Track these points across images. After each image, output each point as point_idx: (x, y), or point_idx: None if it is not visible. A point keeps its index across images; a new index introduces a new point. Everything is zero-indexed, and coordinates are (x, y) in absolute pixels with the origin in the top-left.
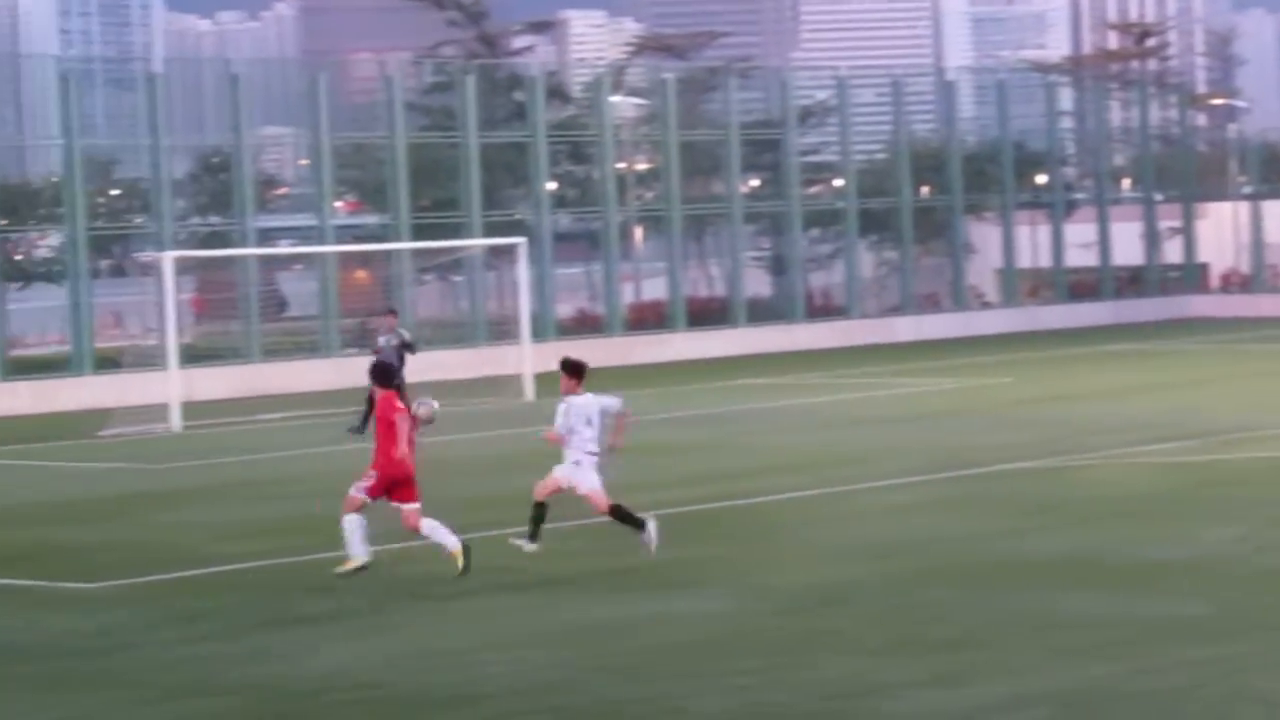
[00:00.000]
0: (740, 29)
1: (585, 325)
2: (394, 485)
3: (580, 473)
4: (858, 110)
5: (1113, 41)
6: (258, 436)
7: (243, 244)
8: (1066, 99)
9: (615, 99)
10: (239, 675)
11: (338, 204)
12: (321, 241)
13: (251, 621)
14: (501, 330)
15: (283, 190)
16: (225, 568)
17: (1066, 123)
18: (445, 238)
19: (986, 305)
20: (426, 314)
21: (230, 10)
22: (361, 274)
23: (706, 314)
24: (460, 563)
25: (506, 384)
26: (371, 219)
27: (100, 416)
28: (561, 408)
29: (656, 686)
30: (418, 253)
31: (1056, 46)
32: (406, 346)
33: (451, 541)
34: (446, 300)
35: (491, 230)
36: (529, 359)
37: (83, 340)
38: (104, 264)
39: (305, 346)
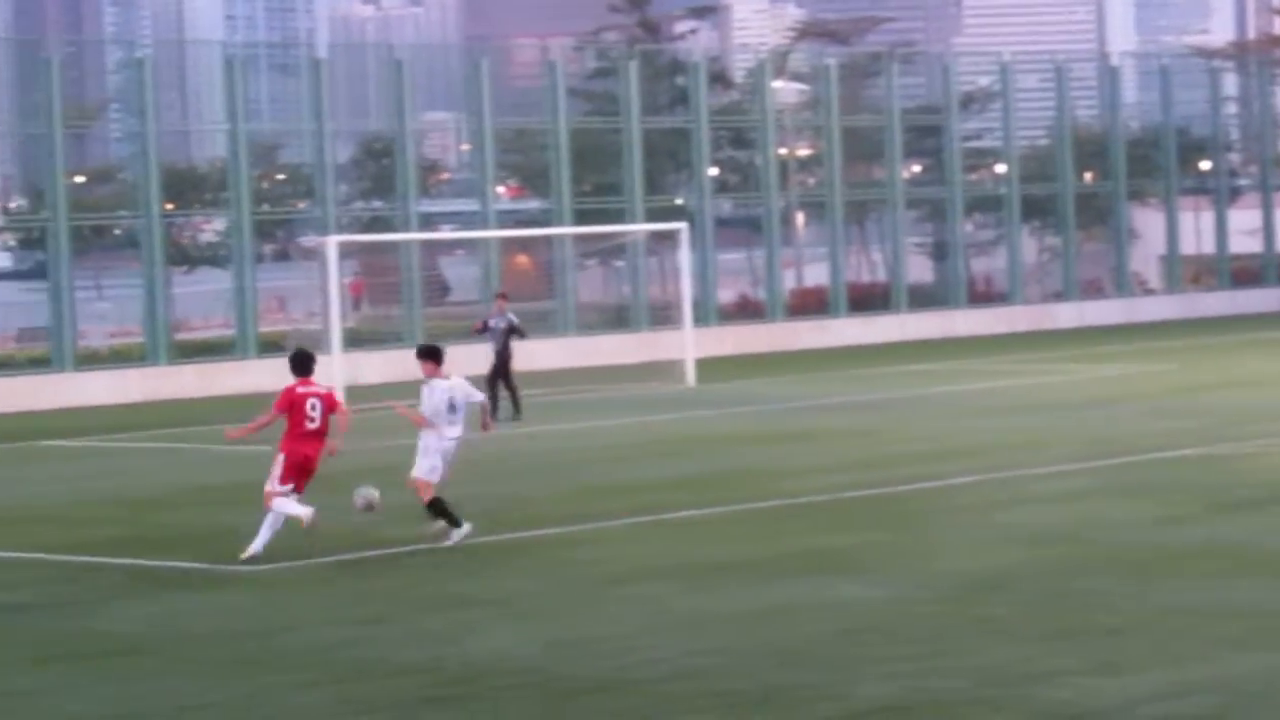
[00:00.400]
0: (902, 14)
1: (746, 311)
2: (309, 468)
3: (422, 457)
4: (1020, 95)
5: (1278, 26)
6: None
7: (405, 229)
8: (1231, 84)
9: (777, 84)
10: (401, 658)
11: (500, 189)
12: (484, 226)
13: (416, 603)
14: (663, 315)
15: (445, 175)
16: (388, 550)
17: (1231, 108)
18: (607, 223)
19: (1149, 292)
20: (588, 299)
21: None
22: (523, 259)
23: (868, 300)
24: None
25: (668, 369)
26: (533, 204)
27: (263, 400)
28: (425, 391)
29: (817, 672)
30: (579, 238)
31: (1221, 31)
32: (515, 331)
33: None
34: (608, 285)
35: (653, 215)
36: (690, 344)
37: (247, 324)
38: (268, 248)
39: (467, 331)
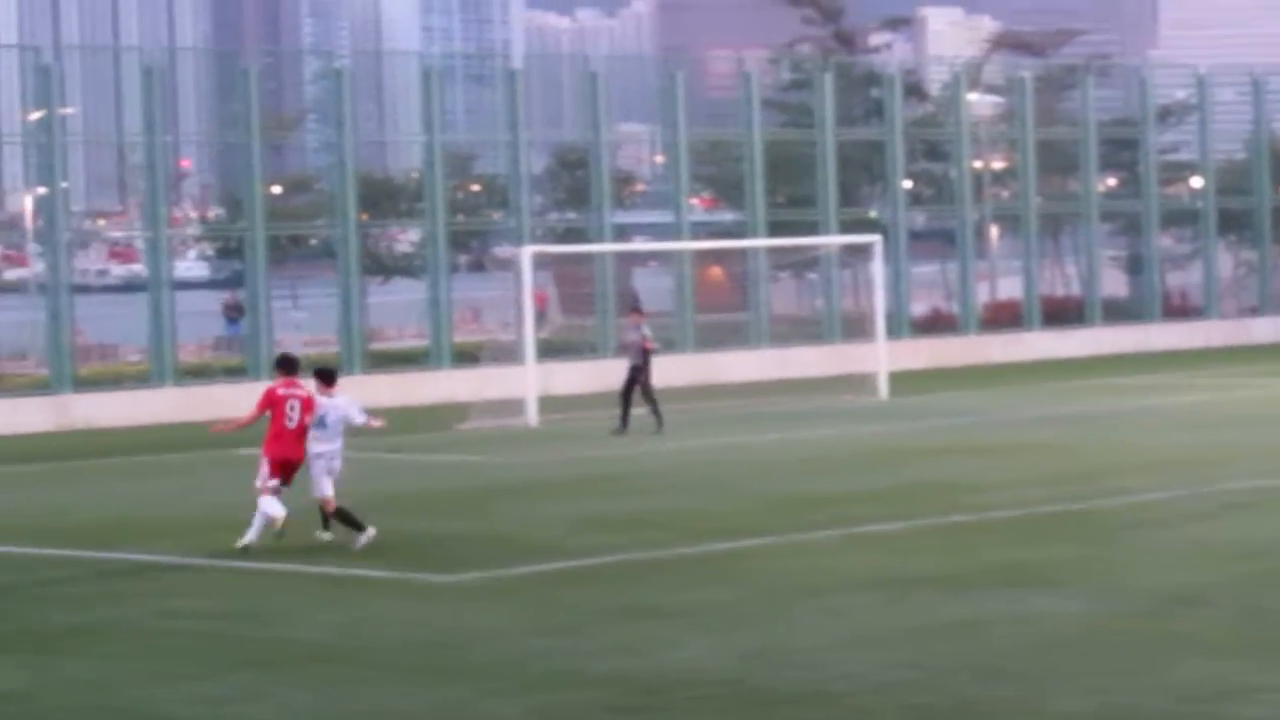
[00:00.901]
0: (1099, 25)
1: (939, 324)
2: (290, 466)
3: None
4: (1217, 108)
5: None
6: (608, 432)
7: (599, 240)
8: None
9: (972, 97)
10: (596, 668)
11: (694, 201)
12: (677, 238)
13: (608, 615)
14: (856, 328)
15: (639, 186)
16: (582, 561)
17: None
18: (800, 235)
19: None
20: (781, 311)
21: (589, 8)
22: (716, 270)
23: (1062, 313)
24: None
25: (861, 382)
26: (727, 216)
27: (458, 410)
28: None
29: (1012, 686)
30: (773, 250)
31: None
32: (646, 347)
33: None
34: (801, 297)
35: (846, 228)
36: (883, 357)
37: (441, 334)
38: (462, 259)
39: (659, 342)
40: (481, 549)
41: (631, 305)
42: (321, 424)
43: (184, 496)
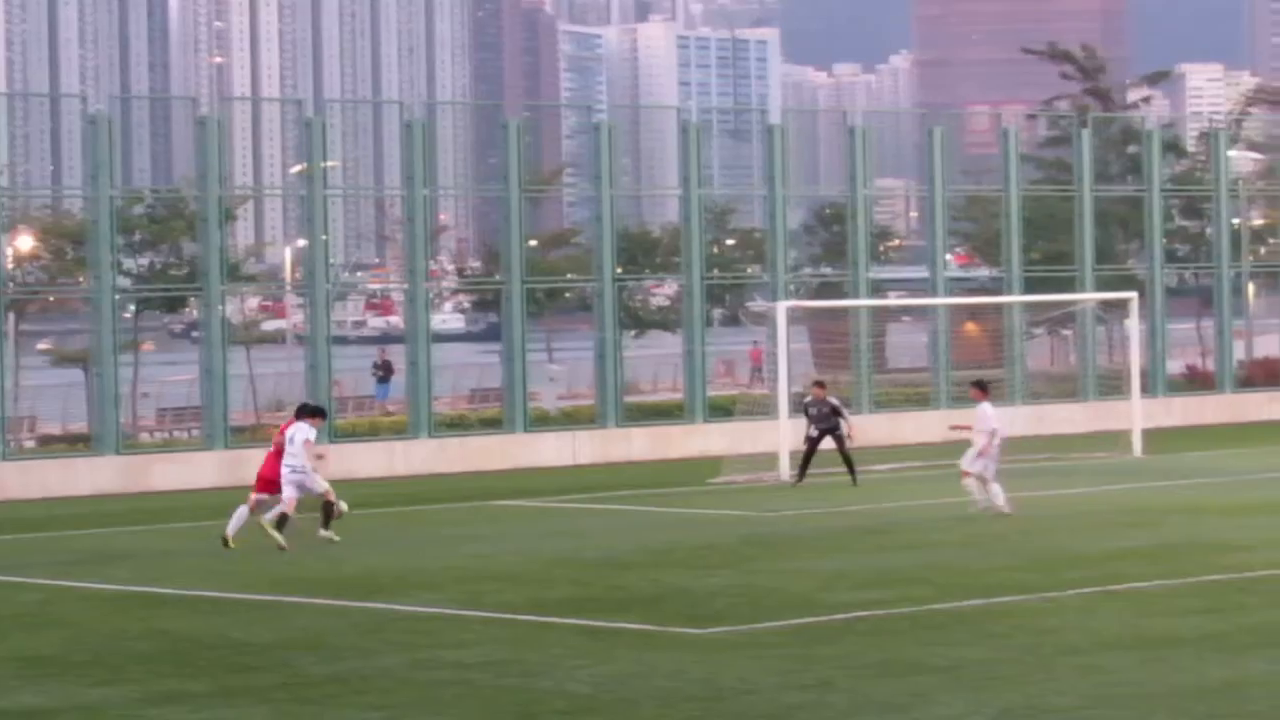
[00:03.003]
0: None
1: (1195, 381)
2: (267, 481)
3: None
4: None
5: None
6: (868, 487)
7: (855, 295)
8: None
9: (1233, 153)
10: None
11: (950, 256)
12: (933, 294)
13: (863, 670)
14: (1111, 385)
15: (896, 242)
16: (839, 616)
17: None
18: (1056, 291)
19: None
20: (1036, 366)
21: (847, 62)
22: (971, 326)
23: None
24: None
25: (1115, 439)
26: (984, 271)
27: (712, 464)
28: None
29: None
30: (1029, 306)
31: None
32: (838, 412)
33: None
34: (1057, 353)
35: (1102, 284)
36: (1138, 414)
37: (696, 388)
38: (717, 312)
39: (914, 399)
40: (735, 602)
41: (815, 380)
42: (290, 442)
43: (442, 546)
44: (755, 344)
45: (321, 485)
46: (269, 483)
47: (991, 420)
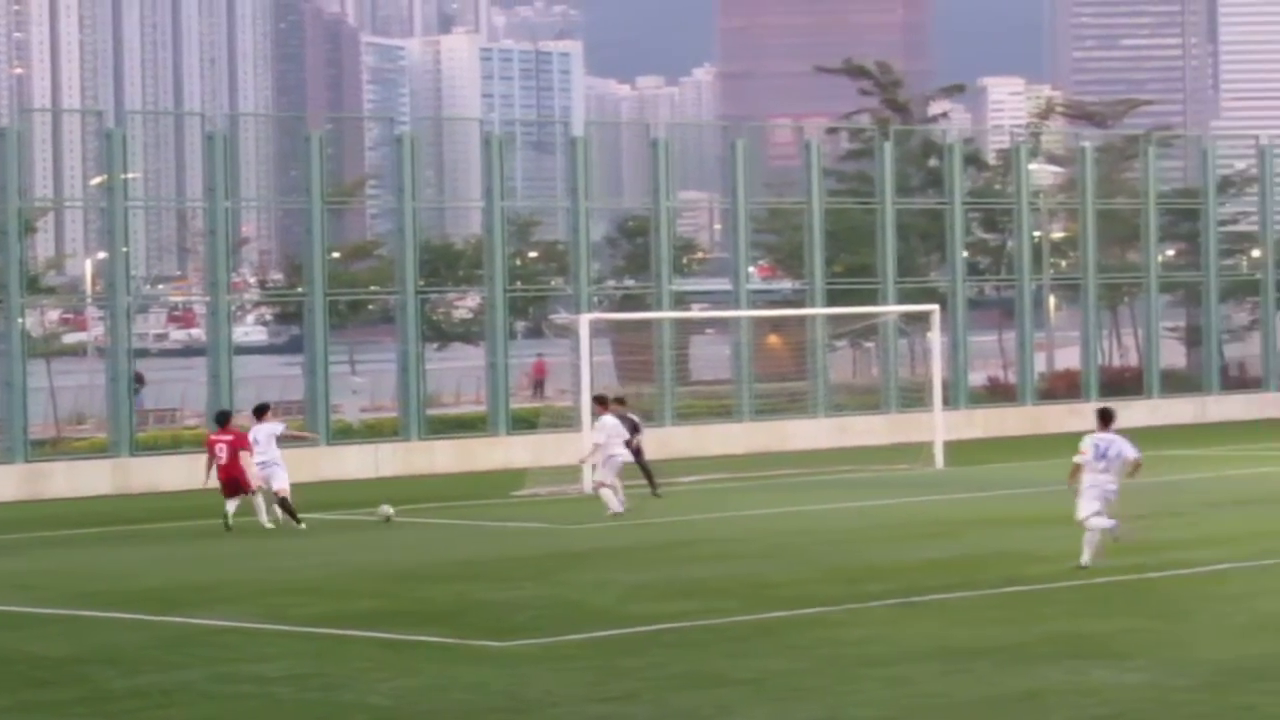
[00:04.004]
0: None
1: (997, 393)
2: (232, 484)
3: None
4: (1278, 179)
5: None
6: (672, 500)
7: (658, 307)
8: None
9: (1033, 166)
10: None
11: (753, 269)
12: (736, 306)
13: (666, 682)
14: (913, 397)
15: (699, 254)
16: (640, 628)
17: None
18: (859, 303)
19: None
20: (839, 379)
21: (650, 75)
22: (774, 339)
23: (1120, 384)
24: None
25: (917, 451)
26: (786, 284)
27: (515, 476)
28: None
29: None
30: (831, 318)
31: None
32: (636, 429)
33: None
34: (859, 366)
35: (904, 297)
36: (940, 426)
37: (499, 400)
38: (520, 325)
39: (717, 411)
40: (539, 614)
41: (615, 397)
42: (255, 441)
43: (242, 560)
44: (539, 355)
45: (283, 481)
46: (235, 483)
47: (598, 434)
